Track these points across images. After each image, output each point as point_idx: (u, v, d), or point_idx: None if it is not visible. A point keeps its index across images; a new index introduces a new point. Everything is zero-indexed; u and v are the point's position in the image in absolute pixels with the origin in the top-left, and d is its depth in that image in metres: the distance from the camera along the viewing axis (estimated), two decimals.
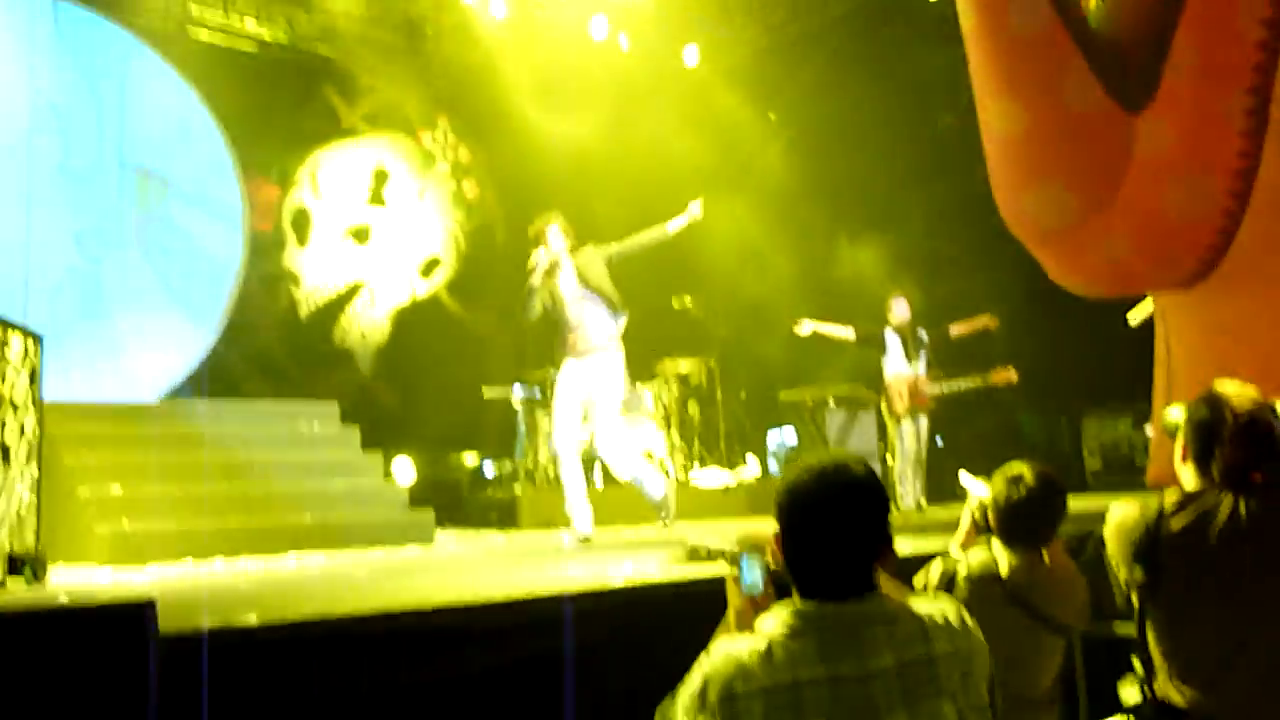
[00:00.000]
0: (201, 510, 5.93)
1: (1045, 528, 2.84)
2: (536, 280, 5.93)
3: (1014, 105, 4.19)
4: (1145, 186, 4.12)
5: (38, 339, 4.85)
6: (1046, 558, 2.82)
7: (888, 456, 8.19)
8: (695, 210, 6.05)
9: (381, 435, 8.06)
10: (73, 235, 9.56)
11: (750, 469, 9.31)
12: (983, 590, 2.77)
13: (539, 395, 8.75)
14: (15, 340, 4.63)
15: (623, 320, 6.06)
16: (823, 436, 8.52)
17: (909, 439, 7.92)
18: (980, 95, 4.30)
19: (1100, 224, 4.21)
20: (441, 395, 10.53)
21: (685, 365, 9.11)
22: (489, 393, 9.18)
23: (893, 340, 7.99)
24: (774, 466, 10.00)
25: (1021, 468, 2.85)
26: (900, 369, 7.94)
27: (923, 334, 8.02)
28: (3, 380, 4.48)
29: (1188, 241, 4.15)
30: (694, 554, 3.85)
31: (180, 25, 10.24)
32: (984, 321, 7.97)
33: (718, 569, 3.01)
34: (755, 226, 9.68)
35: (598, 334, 5.94)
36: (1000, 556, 2.85)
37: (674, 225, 6.06)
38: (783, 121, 10.44)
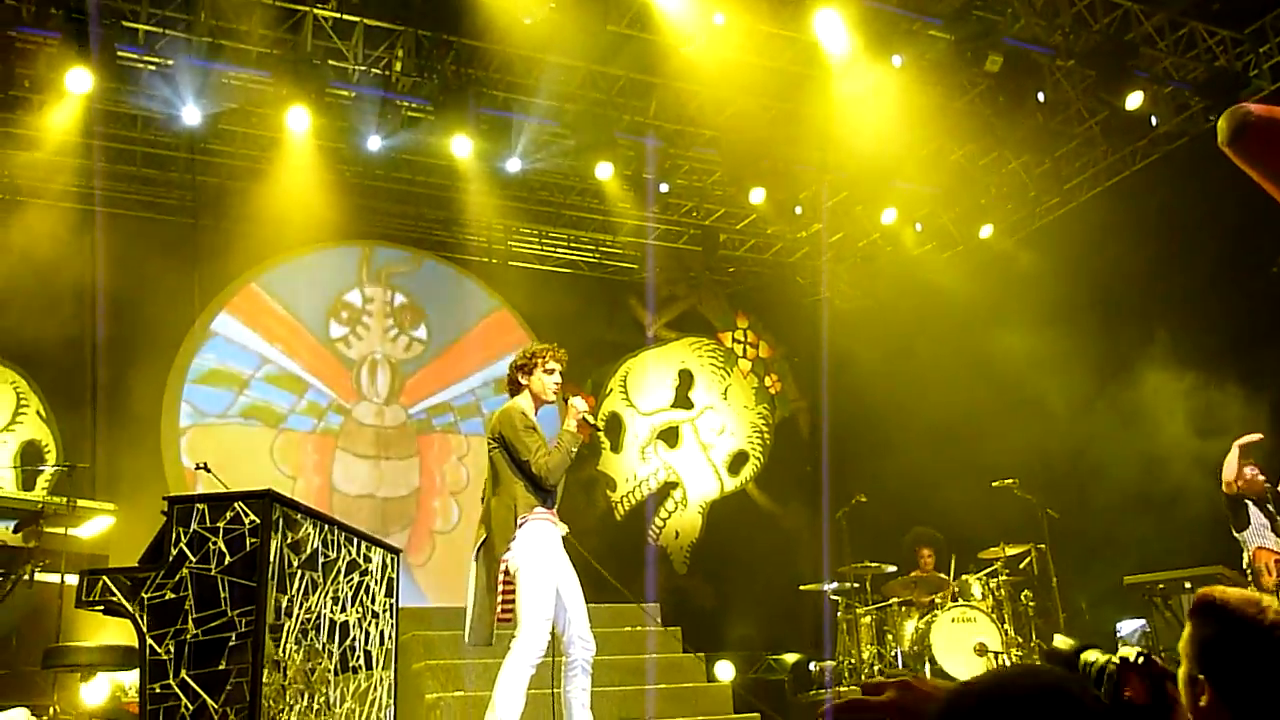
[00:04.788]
0: None
1: None
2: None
3: None
4: None
5: (395, 553, 5.28)
6: None
7: None
8: (579, 404, 4.99)
9: (699, 634, 8.03)
10: None
11: None
12: None
13: (856, 590, 8.44)
14: (376, 555, 5.06)
15: None
16: (1181, 626, 7.60)
17: None
18: None
19: None
20: (756, 591, 10.41)
21: (1013, 551, 8.53)
22: (804, 588, 9.00)
23: (1255, 511, 7.11)
24: None
25: None
26: (1266, 542, 7.03)
27: None
28: (366, 593, 4.89)
29: None
30: None
31: (502, 258, 11.33)
32: None
33: None
34: (1080, 403, 9.13)
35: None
36: None
37: (569, 435, 4.92)
38: (1087, 282, 9.82)
